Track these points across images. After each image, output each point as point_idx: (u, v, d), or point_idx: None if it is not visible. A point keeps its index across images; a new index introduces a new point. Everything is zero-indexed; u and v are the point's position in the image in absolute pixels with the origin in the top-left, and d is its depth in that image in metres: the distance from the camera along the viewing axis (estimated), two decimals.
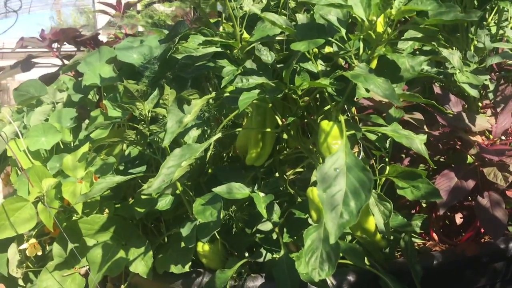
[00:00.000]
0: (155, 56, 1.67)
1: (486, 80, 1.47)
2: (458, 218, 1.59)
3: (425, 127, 1.49)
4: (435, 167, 1.46)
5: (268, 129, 1.35)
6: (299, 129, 1.38)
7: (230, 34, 1.32)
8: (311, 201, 1.23)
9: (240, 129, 1.43)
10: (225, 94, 1.30)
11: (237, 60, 1.32)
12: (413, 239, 1.47)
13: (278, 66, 1.29)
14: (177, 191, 1.42)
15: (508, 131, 1.51)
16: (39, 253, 1.61)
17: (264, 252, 1.40)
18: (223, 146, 1.51)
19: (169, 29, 1.53)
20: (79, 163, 1.56)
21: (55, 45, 2.46)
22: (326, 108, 1.32)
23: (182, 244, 1.39)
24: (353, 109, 1.41)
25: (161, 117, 1.43)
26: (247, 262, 1.38)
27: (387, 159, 1.41)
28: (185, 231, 1.35)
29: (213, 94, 1.33)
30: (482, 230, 1.51)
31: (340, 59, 1.29)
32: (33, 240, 1.59)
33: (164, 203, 1.43)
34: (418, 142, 1.24)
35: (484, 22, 1.62)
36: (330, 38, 1.21)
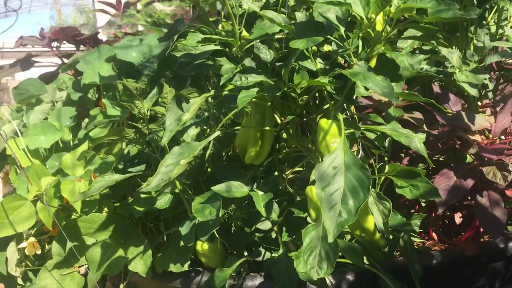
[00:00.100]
0: (154, 54, 1.67)
1: (485, 79, 1.47)
2: (458, 218, 1.59)
3: (424, 126, 1.49)
4: (434, 166, 1.46)
5: (267, 128, 1.35)
6: (298, 127, 1.38)
7: (229, 32, 1.32)
8: (310, 199, 1.22)
9: (239, 127, 1.43)
10: (224, 93, 1.30)
11: (236, 58, 1.32)
12: (412, 238, 1.47)
13: (277, 64, 1.29)
14: (176, 190, 1.41)
15: (507, 130, 1.50)
16: (38, 252, 1.60)
17: (263, 251, 1.40)
18: (222, 145, 1.51)
19: (169, 28, 1.53)
20: (78, 162, 1.56)
21: (54, 44, 2.46)
22: (325, 106, 1.32)
23: (181, 243, 1.39)
24: (352, 108, 1.41)
25: (160, 115, 1.43)
26: (246, 261, 1.38)
27: (386, 158, 1.41)
28: (184, 230, 1.34)
29: (212, 92, 1.33)
30: (482, 230, 1.51)
31: (339, 57, 1.29)
32: (32, 239, 1.59)
33: (163, 201, 1.43)
34: (417, 141, 1.24)
35: (484, 21, 1.62)
36: (329, 36, 1.21)
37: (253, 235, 1.41)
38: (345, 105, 1.35)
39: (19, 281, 1.69)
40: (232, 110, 1.40)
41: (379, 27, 1.16)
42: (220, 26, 1.42)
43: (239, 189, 1.31)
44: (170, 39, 1.44)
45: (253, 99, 1.24)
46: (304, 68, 1.26)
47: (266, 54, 1.27)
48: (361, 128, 1.29)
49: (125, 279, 1.53)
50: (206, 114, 1.41)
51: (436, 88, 1.53)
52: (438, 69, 1.46)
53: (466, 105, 1.54)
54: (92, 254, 1.47)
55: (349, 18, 1.22)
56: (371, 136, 1.35)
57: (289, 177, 1.49)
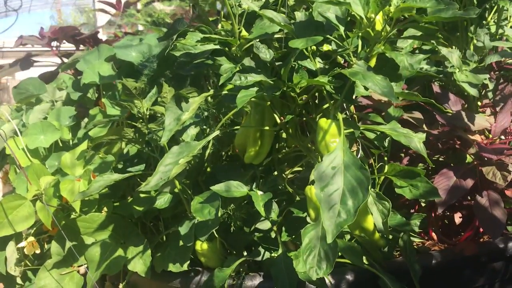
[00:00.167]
0: (154, 54, 1.67)
1: (485, 79, 1.47)
2: (457, 218, 1.59)
3: (424, 126, 1.49)
4: (434, 166, 1.46)
5: (267, 128, 1.35)
6: (298, 127, 1.38)
7: (228, 32, 1.32)
8: (309, 199, 1.22)
9: (238, 127, 1.43)
10: (224, 92, 1.29)
11: (236, 58, 1.31)
12: (412, 238, 1.47)
13: (277, 63, 1.29)
14: (176, 190, 1.41)
15: (507, 130, 1.50)
16: (38, 252, 1.60)
17: (262, 250, 1.40)
18: (222, 144, 1.51)
19: (168, 27, 1.53)
20: (77, 161, 1.56)
21: (54, 43, 2.46)
22: (324, 106, 1.31)
23: (181, 243, 1.39)
24: (352, 108, 1.41)
25: (159, 115, 1.43)
26: (245, 261, 1.38)
27: (386, 158, 1.40)
28: (183, 229, 1.34)
29: (211, 91, 1.32)
30: (481, 230, 1.51)
31: (338, 57, 1.28)
32: (31, 238, 1.59)
33: (162, 201, 1.43)
34: (416, 141, 1.24)
35: (484, 21, 1.61)
36: (328, 36, 1.21)
37: (253, 235, 1.41)
38: (344, 104, 1.34)
39: (18, 280, 1.69)
40: (232, 109, 1.40)
41: (378, 27, 1.16)
42: (219, 26, 1.42)
43: (238, 188, 1.31)
44: (169, 39, 1.44)
45: (253, 99, 1.24)
46: (304, 67, 1.26)
47: (266, 54, 1.27)
48: (361, 128, 1.28)
49: (124, 278, 1.53)
50: (206, 113, 1.41)
51: (436, 88, 1.53)
52: (438, 69, 1.46)
53: (466, 105, 1.54)
54: (91, 253, 1.47)
55: (349, 18, 1.22)
56: (371, 135, 1.35)
57: (288, 177, 1.48)
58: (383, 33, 1.16)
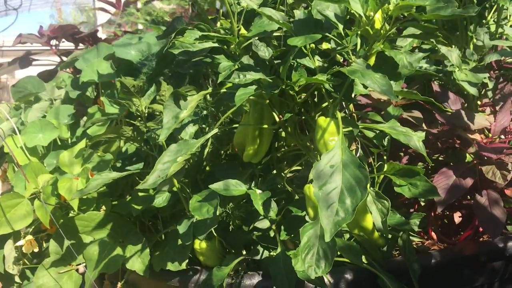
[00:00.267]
0: (153, 52, 1.66)
1: (485, 78, 1.46)
2: (457, 217, 1.58)
3: (423, 125, 1.49)
4: (433, 165, 1.45)
5: (265, 126, 1.35)
6: (297, 126, 1.38)
7: (227, 30, 1.32)
8: (308, 198, 1.22)
9: (237, 125, 1.42)
10: (222, 90, 1.29)
11: (234, 56, 1.31)
12: (411, 237, 1.47)
13: (276, 62, 1.29)
14: (174, 188, 1.41)
15: (507, 129, 1.50)
16: (36, 250, 1.60)
17: (261, 249, 1.39)
18: (221, 143, 1.50)
19: (167, 26, 1.52)
20: (75, 160, 1.55)
21: (53, 42, 2.45)
22: (323, 105, 1.31)
23: (179, 242, 1.38)
24: (351, 106, 1.40)
25: (158, 113, 1.42)
26: (244, 260, 1.37)
27: (385, 157, 1.40)
28: (182, 228, 1.34)
29: (210, 89, 1.32)
30: (481, 229, 1.50)
31: (337, 55, 1.28)
32: (29, 237, 1.58)
33: (161, 200, 1.43)
34: (416, 140, 1.24)
35: (484, 20, 1.61)
36: (327, 34, 1.20)
37: (251, 233, 1.41)
38: (343, 103, 1.34)
39: (17, 279, 1.69)
40: (231, 108, 1.39)
41: (377, 25, 1.16)
42: (218, 24, 1.42)
43: (237, 187, 1.31)
44: (168, 37, 1.43)
45: (251, 97, 1.24)
46: (303, 66, 1.25)
47: (264, 52, 1.27)
48: (360, 126, 1.28)
49: (123, 277, 1.53)
50: (204, 112, 1.41)
51: (435, 86, 1.53)
52: (437, 68, 1.45)
53: (465, 104, 1.54)
54: (89, 252, 1.46)
55: (348, 16, 1.22)
56: (370, 134, 1.35)
57: (287, 175, 1.48)
58: (382, 31, 1.15)
